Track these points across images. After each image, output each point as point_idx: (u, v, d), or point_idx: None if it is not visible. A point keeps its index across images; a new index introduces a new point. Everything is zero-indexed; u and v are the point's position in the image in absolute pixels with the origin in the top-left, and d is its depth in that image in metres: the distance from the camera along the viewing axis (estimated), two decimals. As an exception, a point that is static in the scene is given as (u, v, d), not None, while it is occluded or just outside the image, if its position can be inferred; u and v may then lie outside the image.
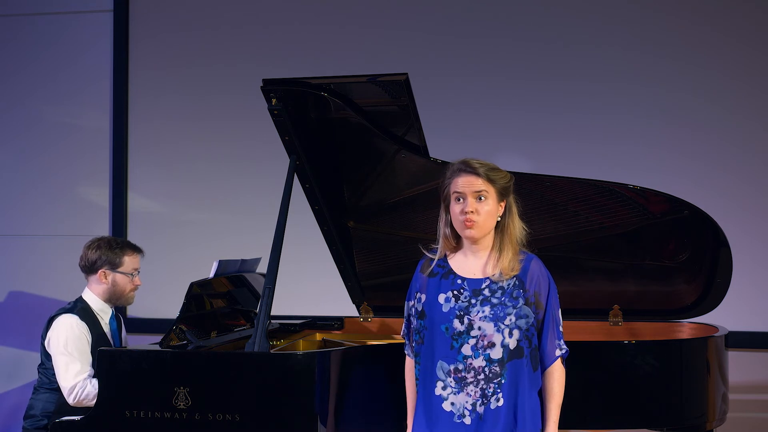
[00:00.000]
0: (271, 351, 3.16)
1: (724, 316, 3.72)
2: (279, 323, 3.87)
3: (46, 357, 3.45)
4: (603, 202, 3.43)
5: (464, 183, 2.61)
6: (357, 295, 3.95)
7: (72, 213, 5.33)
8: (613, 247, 3.58)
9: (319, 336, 3.91)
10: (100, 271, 3.53)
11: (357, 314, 4.02)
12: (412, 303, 2.72)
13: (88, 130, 5.37)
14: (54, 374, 3.41)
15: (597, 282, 3.70)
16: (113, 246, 3.57)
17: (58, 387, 3.40)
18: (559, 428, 2.69)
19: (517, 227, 2.67)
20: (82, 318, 3.44)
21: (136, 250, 3.63)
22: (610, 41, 4.76)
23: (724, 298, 3.57)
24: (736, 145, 4.63)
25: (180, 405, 2.93)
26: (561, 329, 2.66)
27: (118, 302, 3.59)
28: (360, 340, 3.68)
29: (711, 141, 4.66)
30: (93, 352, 3.41)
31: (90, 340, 3.42)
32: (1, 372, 5.32)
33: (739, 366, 4.26)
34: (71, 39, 5.39)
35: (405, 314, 2.75)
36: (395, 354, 2.86)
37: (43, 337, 3.47)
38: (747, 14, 4.65)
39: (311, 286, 4.81)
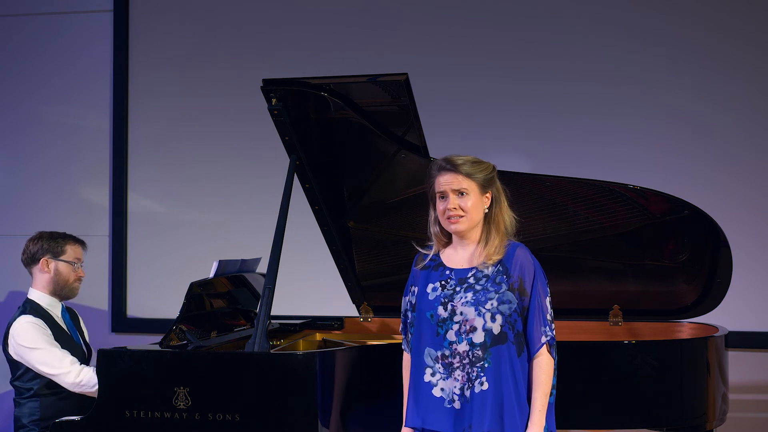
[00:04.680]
0: (271, 351, 3.16)
1: (724, 316, 3.72)
2: (279, 323, 3.87)
3: (15, 367, 3.45)
4: (603, 202, 3.43)
5: (444, 181, 2.66)
6: (357, 295, 3.95)
7: (72, 213, 5.33)
8: (613, 247, 3.58)
9: (319, 336, 3.91)
10: (42, 259, 3.54)
11: (357, 314, 4.02)
12: (408, 298, 2.76)
13: (88, 130, 5.37)
14: (29, 379, 3.40)
15: (597, 282, 3.70)
16: (55, 236, 3.60)
17: (38, 392, 3.39)
18: (559, 428, 2.69)
19: (506, 217, 2.71)
20: (36, 316, 3.44)
21: (77, 241, 3.65)
22: (610, 41, 4.75)
23: (724, 298, 3.57)
24: (736, 145, 4.63)
25: (180, 405, 2.93)
26: (549, 317, 2.65)
27: (62, 293, 3.58)
28: (360, 340, 3.68)
29: (711, 141, 4.65)
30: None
31: (50, 333, 3.43)
32: (1, 372, 5.31)
33: (739, 366, 4.26)
34: (71, 39, 5.38)
35: (402, 309, 2.79)
36: (395, 354, 2.87)
37: (5, 347, 3.46)
38: (747, 14, 4.64)
39: (311, 286, 4.81)
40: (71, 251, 3.59)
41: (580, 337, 3.71)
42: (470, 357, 2.59)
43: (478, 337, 2.59)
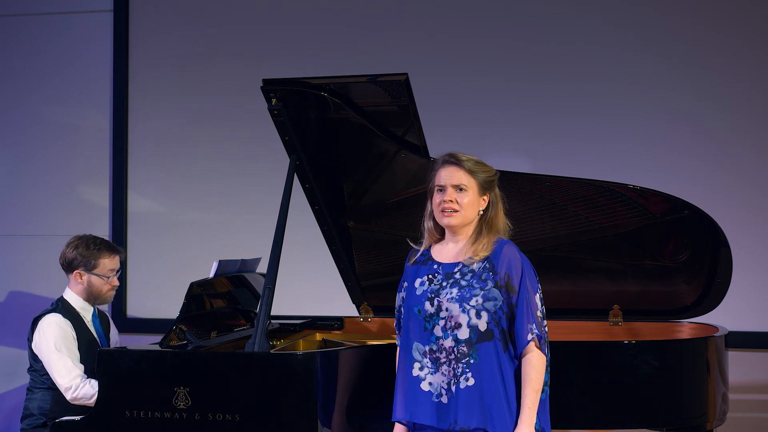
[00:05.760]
0: (271, 351, 3.15)
1: (724, 316, 3.72)
2: (279, 323, 3.87)
3: (34, 359, 3.46)
4: (603, 202, 3.43)
5: (446, 174, 2.68)
6: (357, 295, 3.95)
7: (72, 213, 5.33)
8: (613, 247, 3.58)
9: (319, 336, 3.91)
10: (75, 271, 3.53)
11: (357, 314, 4.02)
12: (401, 294, 2.78)
13: (88, 130, 5.37)
14: (45, 374, 3.41)
15: (597, 282, 3.70)
16: (91, 247, 3.54)
17: (51, 385, 3.41)
18: (559, 428, 2.68)
19: (501, 222, 2.72)
20: (65, 317, 3.44)
21: (114, 251, 3.60)
22: (610, 41, 4.75)
23: (724, 298, 3.57)
24: (736, 145, 4.63)
25: (180, 405, 2.93)
26: (537, 314, 2.62)
27: (96, 302, 3.58)
28: (360, 340, 3.68)
29: (711, 141, 4.65)
30: (79, 350, 3.42)
31: (75, 337, 3.43)
32: (1, 372, 5.32)
33: (739, 366, 4.26)
34: (71, 39, 5.38)
35: (396, 306, 2.80)
36: (395, 354, 2.86)
37: (30, 339, 3.47)
38: (747, 14, 4.65)
39: (311, 286, 4.81)
40: (104, 264, 3.54)
41: (580, 337, 3.71)
42: (455, 353, 2.60)
43: (463, 334, 2.60)
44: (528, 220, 3.44)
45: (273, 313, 3.20)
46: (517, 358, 2.62)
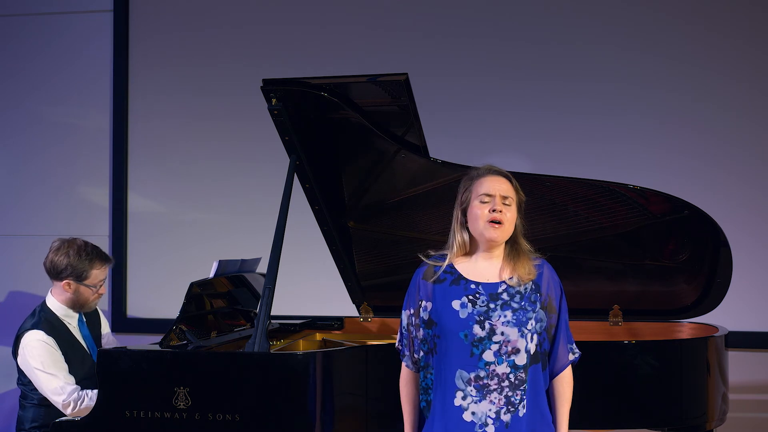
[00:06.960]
0: (271, 351, 3.15)
1: (724, 316, 3.72)
2: (279, 323, 3.87)
3: (22, 373, 3.38)
4: (603, 202, 3.43)
5: (494, 184, 2.56)
6: (357, 295, 3.94)
7: (72, 213, 5.33)
8: (613, 247, 3.58)
9: (319, 336, 3.92)
10: (65, 281, 3.41)
11: (357, 314, 4.02)
12: (412, 311, 2.63)
13: (88, 130, 5.37)
14: (34, 389, 3.34)
15: (597, 282, 3.70)
16: (82, 256, 3.42)
17: (41, 402, 3.34)
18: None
19: (525, 245, 2.62)
20: (48, 332, 3.33)
21: (106, 260, 3.49)
22: (610, 41, 4.76)
23: (724, 298, 3.57)
24: (736, 145, 4.64)
25: (180, 405, 2.93)
26: (570, 333, 2.65)
27: (81, 309, 3.48)
28: (360, 340, 3.68)
29: (711, 141, 4.66)
30: (67, 362, 3.34)
31: (60, 351, 3.34)
32: (1, 372, 5.31)
33: (739, 366, 4.26)
34: (71, 39, 5.39)
35: (403, 323, 2.66)
36: (395, 354, 2.86)
37: (14, 353, 3.38)
38: (747, 14, 4.65)
39: (311, 286, 4.81)
40: (95, 275, 3.44)
41: (580, 337, 3.68)
42: (511, 380, 2.49)
43: (521, 359, 2.50)
44: (528, 220, 3.44)
45: (273, 313, 3.20)
46: (549, 377, 2.60)
